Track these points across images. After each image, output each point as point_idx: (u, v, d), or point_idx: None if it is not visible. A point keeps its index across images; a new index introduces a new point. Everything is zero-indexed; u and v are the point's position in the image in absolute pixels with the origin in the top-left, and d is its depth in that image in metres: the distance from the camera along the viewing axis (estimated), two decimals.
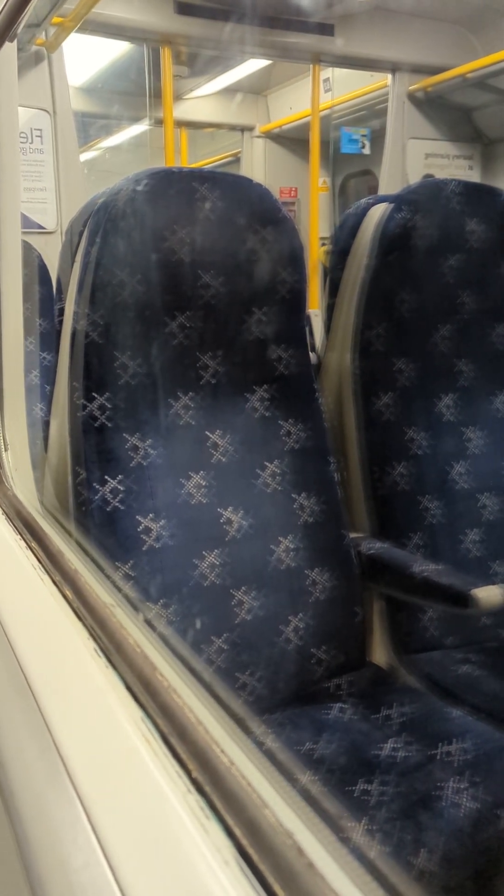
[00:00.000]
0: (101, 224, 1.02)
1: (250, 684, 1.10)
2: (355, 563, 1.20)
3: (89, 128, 4.12)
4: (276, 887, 0.29)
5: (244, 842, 0.32)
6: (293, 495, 1.17)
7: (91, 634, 0.52)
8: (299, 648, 1.15)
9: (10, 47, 0.98)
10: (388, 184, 3.10)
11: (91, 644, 0.51)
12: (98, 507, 1.03)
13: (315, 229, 3.43)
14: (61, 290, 1.11)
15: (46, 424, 1.15)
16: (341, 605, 1.18)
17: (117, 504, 1.05)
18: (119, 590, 0.58)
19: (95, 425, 1.05)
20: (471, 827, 0.88)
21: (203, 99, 3.98)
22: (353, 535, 1.23)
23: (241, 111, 4.09)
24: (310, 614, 1.16)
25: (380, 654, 1.31)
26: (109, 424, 1.06)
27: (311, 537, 1.17)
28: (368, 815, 0.88)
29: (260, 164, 4.12)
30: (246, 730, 0.39)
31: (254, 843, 0.32)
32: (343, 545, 1.20)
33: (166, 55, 2.94)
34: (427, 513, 1.30)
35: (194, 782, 0.36)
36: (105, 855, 0.36)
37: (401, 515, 1.30)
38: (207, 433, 1.13)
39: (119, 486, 1.05)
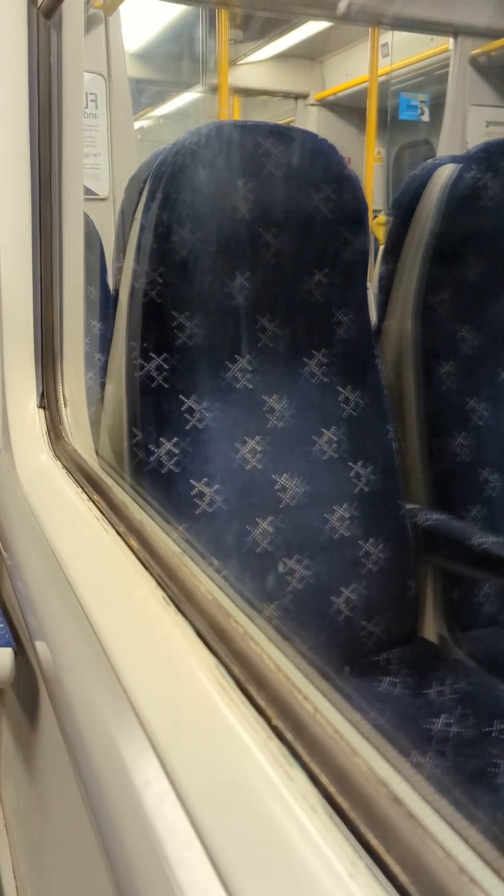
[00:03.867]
0: (162, 179, 1.00)
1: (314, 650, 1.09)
2: (410, 535, 1.17)
3: (142, 95, 4.09)
4: (370, 836, 0.28)
5: (332, 790, 0.30)
6: (349, 463, 1.15)
7: (159, 583, 0.51)
8: (349, 620, 1.13)
9: (76, 8, 0.96)
10: (447, 153, 3.01)
11: (159, 593, 0.50)
12: (153, 468, 1.03)
13: (369, 201, 3.36)
14: (119, 249, 1.10)
15: (100, 388, 1.14)
16: (394, 578, 1.16)
17: (172, 467, 1.04)
18: (188, 541, 0.57)
19: (152, 386, 1.04)
20: None
21: (257, 65, 3.92)
22: (409, 506, 1.20)
23: (295, 78, 4.02)
24: (362, 585, 1.14)
25: (431, 628, 1.28)
26: (166, 386, 1.04)
27: (366, 507, 1.14)
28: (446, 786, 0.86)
29: None
30: (329, 679, 0.38)
31: (343, 792, 0.30)
32: (399, 516, 1.17)
33: (222, 17, 2.88)
34: (487, 485, 1.26)
35: (275, 729, 0.35)
36: (180, 800, 0.35)
37: (459, 487, 1.26)
38: (264, 397, 1.11)
39: (174, 449, 1.04)
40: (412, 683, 1.09)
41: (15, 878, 0.91)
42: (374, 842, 0.28)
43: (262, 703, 0.37)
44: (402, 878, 0.26)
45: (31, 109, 0.93)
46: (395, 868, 0.26)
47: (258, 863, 0.30)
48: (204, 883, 0.30)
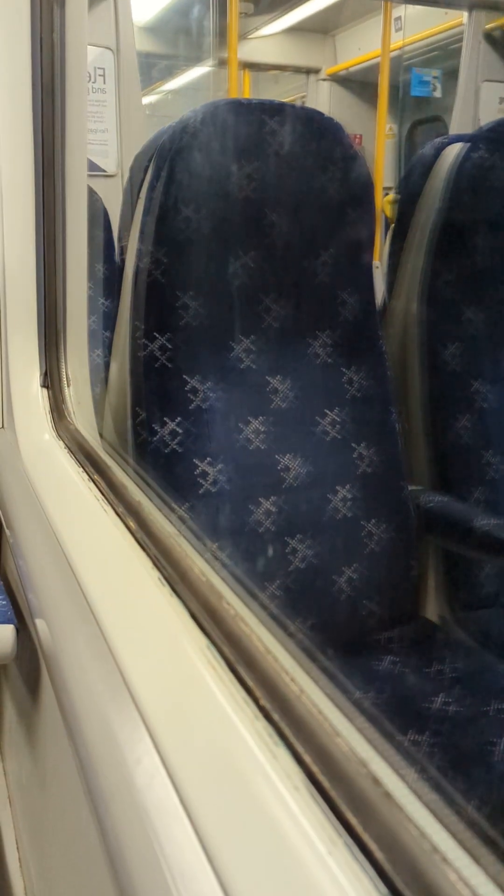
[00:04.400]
0: (167, 158, 1.00)
1: (304, 631, 1.10)
2: (413, 516, 1.18)
3: (151, 69, 4.04)
4: (349, 815, 0.29)
5: (314, 769, 0.31)
6: (352, 444, 1.15)
7: (155, 564, 0.51)
8: (351, 600, 1.14)
9: None
10: (459, 130, 2.97)
11: (155, 573, 0.50)
12: (156, 448, 1.03)
13: (380, 178, 3.32)
14: (124, 229, 1.10)
15: (106, 367, 1.15)
16: (396, 558, 1.17)
17: (175, 446, 1.04)
18: (183, 522, 0.58)
19: (156, 366, 1.04)
20: None
21: (268, 39, 3.86)
22: (411, 487, 1.21)
23: (307, 52, 3.96)
24: (364, 566, 1.14)
25: (433, 608, 1.29)
26: (170, 365, 1.05)
27: (368, 488, 1.15)
28: (428, 765, 0.87)
29: (324, 110, 3.99)
30: (315, 660, 0.38)
31: (325, 771, 0.31)
32: (401, 497, 1.18)
33: None
34: (490, 468, 1.26)
35: (262, 709, 0.36)
36: (170, 776, 0.36)
37: (462, 469, 1.26)
38: (268, 378, 1.11)
39: (177, 429, 1.04)
40: (413, 663, 1.10)
41: (17, 847, 0.93)
42: (352, 820, 0.28)
43: (250, 683, 0.37)
44: (378, 855, 0.27)
45: (34, 86, 0.93)
46: (372, 846, 0.27)
47: (242, 838, 0.31)
48: (189, 856, 0.31)
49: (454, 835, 0.27)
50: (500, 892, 0.24)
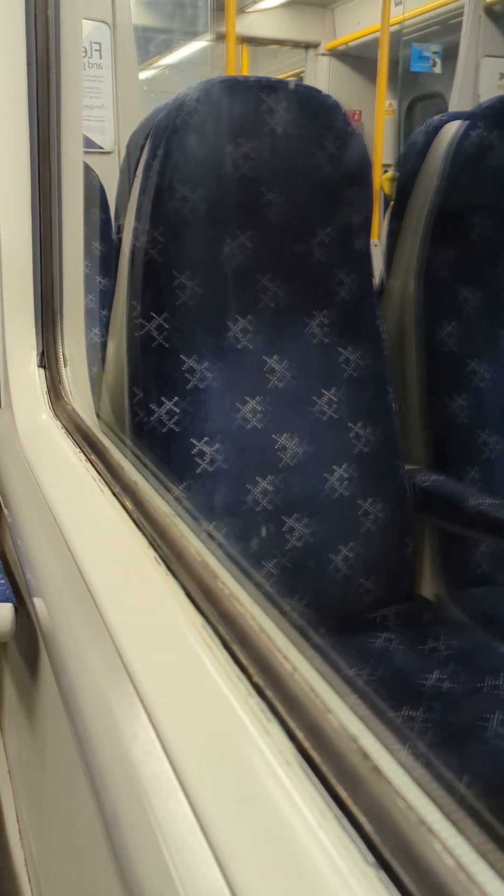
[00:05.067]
0: (163, 136, 0.99)
1: (298, 610, 1.11)
2: (409, 495, 1.19)
3: (148, 44, 3.99)
4: (339, 789, 0.29)
5: (306, 744, 0.32)
6: (349, 424, 1.15)
7: (151, 544, 0.52)
8: (347, 578, 1.15)
9: None
10: (459, 106, 2.94)
11: (151, 553, 0.51)
12: (153, 427, 1.04)
13: (379, 155, 3.30)
14: (121, 208, 1.09)
15: (103, 346, 1.14)
16: (392, 537, 1.18)
17: (172, 426, 1.05)
18: (179, 502, 0.58)
19: (153, 346, 1.04)
20: None
21: (267, 13, 3.80)
22: (408, 466, 1.21)
23: (306, 26, 3.90)
24: (360, 544, 1.15)
25: (428, 587, 1.30)
26: (167, 345, 1.05)
27: (365, 467, 1.15)
28: (417, 740, 0.89)
29: (324, 85, 3.95)
30: (308, 639, 0.39)
31: (316, 746, 0.32)
32: (397, 476, 1.18)
33: None
34: (486, 447, 1.27)
35: (255, 686, 0.36)
36: (165, 751, 0.36)
37: (458, 449, 1.27)
38: (265, 358, 1.12)
39: (175, 408, 1.05)
40: (408, 640, 1.11)
41: (18, 820, 0.95)
42: (342, 794, 0.29)
43: (244, 661, 0.38)
44: (367, 827, 0.27)
45: (28, 62, 0.92)
46: (361, 818, 0.28)
47: (235, 811, 0.32)
48: (184, 828, 0.32)
49: (440, 807, 0.28)
50: (483, 860, 0.25)
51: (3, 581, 0.78)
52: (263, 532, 1.10)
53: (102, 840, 0.36)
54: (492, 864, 0.25)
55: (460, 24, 2.98)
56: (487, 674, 1.01)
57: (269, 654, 0.37)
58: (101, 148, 2.58)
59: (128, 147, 1.08)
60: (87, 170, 1.63)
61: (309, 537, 1.12)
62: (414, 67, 3.37)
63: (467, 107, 2.90)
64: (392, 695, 0.99)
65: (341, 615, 1.15)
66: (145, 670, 0.42)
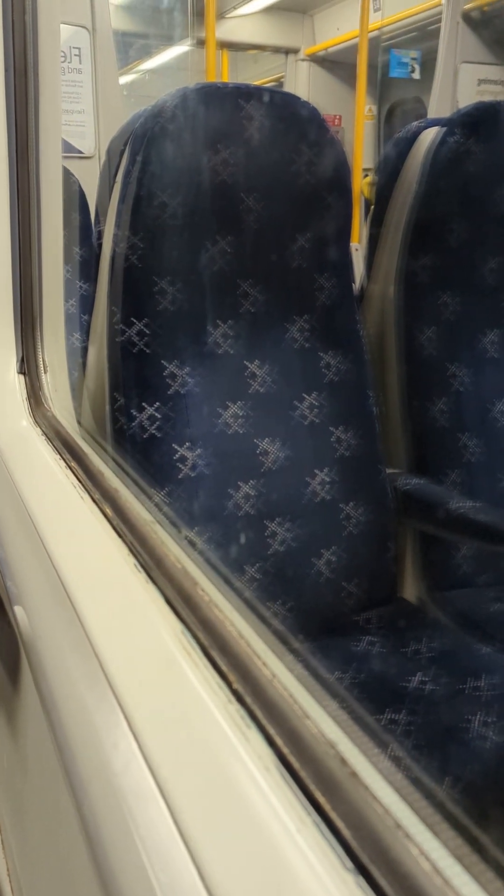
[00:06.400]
0: (142, 143, 0.99)
1: (281, 614, 1.12)
2: (390, 498, 1.19)
3: (128, 49, 3.99)
4: (318, 794, 0.30)
5: (285, 750, 0.32)
6: (330, 428, 1.16)
7: (131, 551, 0.52)
8: (330, 581, 1.15)
9: None
10: (438, 111, 2.96)
11: (131, 560, 0.51)
12: (135, 433, 1.04)
13: (359, 160, 3.32)
14: (101, 213, 1.09)
15: (84, 351, 1.14)
16: (374, 540, 1.18)
17: (154, 431, 1.05)
18: (159, 509, 0.58)
19: (133, 351, 1.04)
20: (497, 759, 0.89)
21: (246, 18, 3.82)
22: (389, 470, 1.22)
23: (285, 32, 3.92)
24: (342, 548, 1.16)
25: (410, 589, 1.31)
26: (148, 351, 1.05)
27: (346, 471, 1.16)
28: (395, 744, 0.89)
29: (304, 90, 3.97)
30: (287, 645, 0.39)
31: (295, 752, 0.32)
32: (379, 480, 1.19)
33: None
34: (466, 450, 1.28)
35: (235, 693, 0.37)
36: (145, 759, 0.37)
37: (439, 452, 1.28)
38: (246, 363, 1.12)
39: (156, 414, 1.05)
40: (390, 643, 1.12)
41: (0, 830, 0.94)
42: (321, 799, 0.29)
43: (224, 668, 0.38)
44: (345, 832, 0.28)
45: (6, 67, 0.92)
46: (339, 823, 0.28)
47: (214, 818, 0.32)
48: (164, 835, 0.32)
49: (416, 811, 0.28)
50: (459, 863, 0.25)
51: None
52: (246, 537, 1.10)
53: (83, 848, 0.36)
54: (467, 868, 0.25)
55: (438, 30, 3.00)
56: (469, 675, 1.02)
57: (249, 661, 0.37)
58: (82, 152, 2.58)
59: (108, 153, 1.08)
60: (67, 174, 1.63)
61: (291, 541, 1.12)
62: (393, 73, 3.40)
63: (446, 113, 2.92)
64: (375, 698, 1.00)
65: (324, 619, 1.15)
66: (126, 678, 0.42)
